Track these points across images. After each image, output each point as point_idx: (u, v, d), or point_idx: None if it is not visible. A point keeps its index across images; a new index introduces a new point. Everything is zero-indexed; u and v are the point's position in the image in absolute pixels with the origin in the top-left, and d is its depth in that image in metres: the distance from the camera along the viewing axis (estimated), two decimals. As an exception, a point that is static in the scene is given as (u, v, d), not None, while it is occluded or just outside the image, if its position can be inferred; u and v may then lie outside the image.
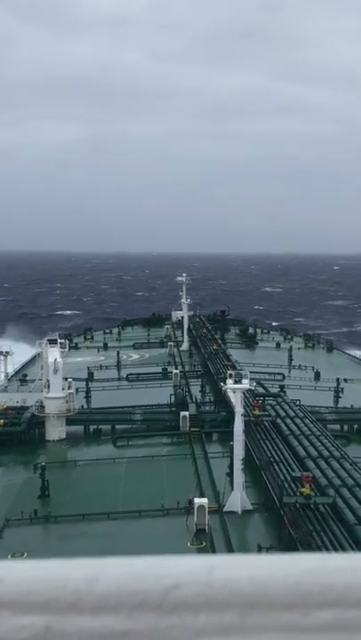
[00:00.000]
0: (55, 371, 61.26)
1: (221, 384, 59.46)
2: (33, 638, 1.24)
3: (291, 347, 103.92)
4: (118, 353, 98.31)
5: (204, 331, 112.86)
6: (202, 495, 42.64)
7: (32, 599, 1.26)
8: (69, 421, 61.58)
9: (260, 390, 70.06)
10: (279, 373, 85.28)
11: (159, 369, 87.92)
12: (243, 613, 1.25)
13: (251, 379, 49.20)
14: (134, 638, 1.24)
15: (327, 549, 34.67)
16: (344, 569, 1.28)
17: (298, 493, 40.54)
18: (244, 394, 46.85)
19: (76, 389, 67.24)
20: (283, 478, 43.89)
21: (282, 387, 75.10)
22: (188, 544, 37.80)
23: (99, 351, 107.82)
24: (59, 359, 61.41)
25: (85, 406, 68.14)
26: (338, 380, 75.92)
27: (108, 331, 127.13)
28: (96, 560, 1.33)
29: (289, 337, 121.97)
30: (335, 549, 34.73)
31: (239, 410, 44.47)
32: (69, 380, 64.18)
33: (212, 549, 36.52)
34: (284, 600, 1.25)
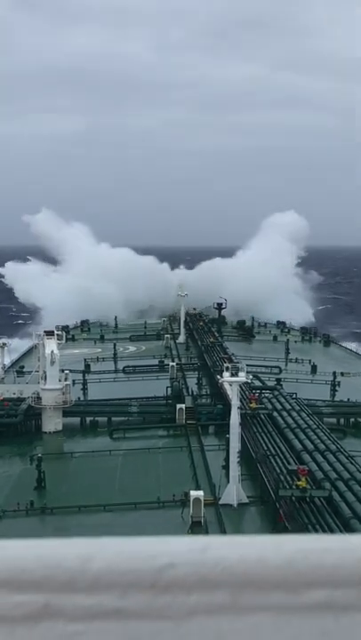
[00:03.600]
0: (52, 362, 61.28)
1: (218, 377, 59.57)
2: (29, 615, 1.26)
3: (288, 340, 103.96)
4: (115, 345, 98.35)
5: (201, 323, 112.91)
6: (198, 488, 42.75)
7: (27, 577, 1.28)
8: (66, 413, 61.64)
9: (257, 383, 70.14)
10: (276, 366, 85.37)
11: (156, 361, 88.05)
12: (235, 592, 1.27)
13: (247, 372, 49.31)
14: (128, 616, 1.26)
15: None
16: (333, 549, 1.30)
17: (294, 486, 40.61)
18: (240, 387, 46.95)
19: (73, 381, 67.28)
20: (279, 471, 43.97)
21: (278, 380, 75.22)
22: None
23: (95, 343, 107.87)
24: (55, 351, 61.41)
25: (82, 398, 68.21)
26: (334, 373, 76.04)
27: (104, 323, 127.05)
28: (91, 539, 1.34)
29: (286, 330, 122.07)
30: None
31: (235, 403, 44.54)
32: (66, 371, 64.22)
33: None
34: (275, 579, 1.27)
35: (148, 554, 1.29)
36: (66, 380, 62.89)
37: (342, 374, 78.67)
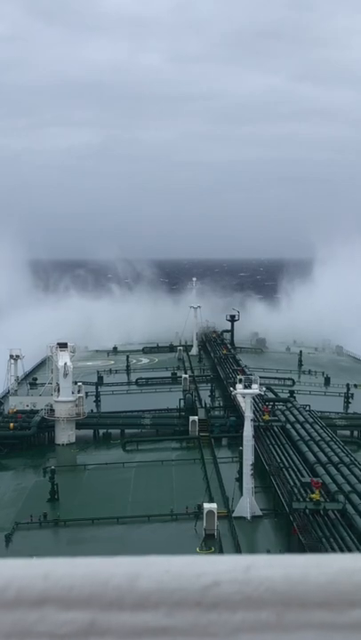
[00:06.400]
0: (65, 374, 61.40)
1: (231, 389, 59.42)
2: (77, 633, 1.29)
3: (301, 351, 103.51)
4: (128, 357, 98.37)
5: (214, 335, 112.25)
6: (211, 500, 42.63)
7: (75, 595, 1.31)
8: (79, 425, 61.71)
9: (270, 395, 69.94)
10: (289, 378, 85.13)
11: (168, 373, 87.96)
12: (278, 611, 1.30)
13: (260, 384, 49.15)
14: (175, 634, 1.29)
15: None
16: None
17: (307, 499, 40.42)
18: (253, 399, 46.82)
19: (86, 393, 67.36)
20: (292, 484, 43.77)
21: (292, 392, 74.97)
22: (197, 549, 37.74)
23: (108, 355, 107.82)
24: (69, 363, 61.54)
25: (95, 410, 68.25)
26: (348, 385, 75.71)
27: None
28: (137, 558, 1.38)
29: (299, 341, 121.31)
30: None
31: (249, 415, 44.43)
32: (79, 383, 64.32)
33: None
34: (318, 599, 1.30)
35: (193, 572, 1.32)
36: (79, 392, 62.99)
37: (356, 386, 78.32)
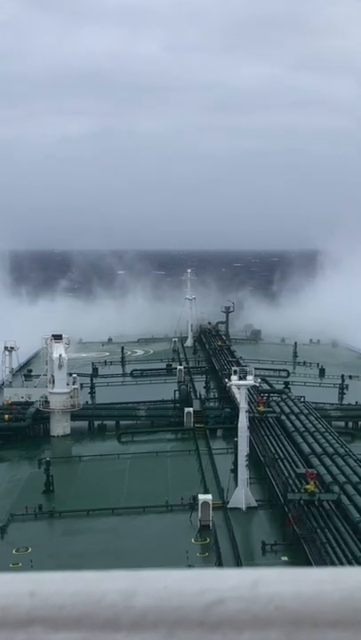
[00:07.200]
0: (60, 366, 61.27)
1: (226, 380, 59.40)
2: None
3: (295, 343, 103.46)
4: (123, 349, 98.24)
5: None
6: (206, 491, 42.64)
7: (66, 614, 1.19)
8: (74, 417, 61.64)
9: (265, 387, 69.95)
10: (284, 370, 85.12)
11: (163, 365, 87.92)
12: (289, 631, 1.18)
13: (255, 375, 49.11)
14: None
15: (332, 546, 34.62)
16: None
17: (302, 490, 40.47)
18: (248, 390, 46.78)
19: (81, 385, 67.25)
20: (287, 475, 43.82)
21: (286, 383, 75.00)
22: (192, 540, 37.77)
23: (103, 346, 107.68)
24: (63, 354, 61.40)
25: (90, 402, 68.20)
26: (343, 376, 75.77)
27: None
28: (134, 572, 1.26)
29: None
30: (340, 546, 34.68)
31: (244, 406, 44.40)
32: (74, 375, 64.21)
33: (216, 546, 36.45)
34: (333, 617, 1.19)
35: (195, 589, 1.21)
36: (74, 383, 62.86)
37: (350, 377, 78.40)
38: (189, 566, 33.36)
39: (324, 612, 1.18)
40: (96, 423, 63.26)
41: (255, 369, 53.97)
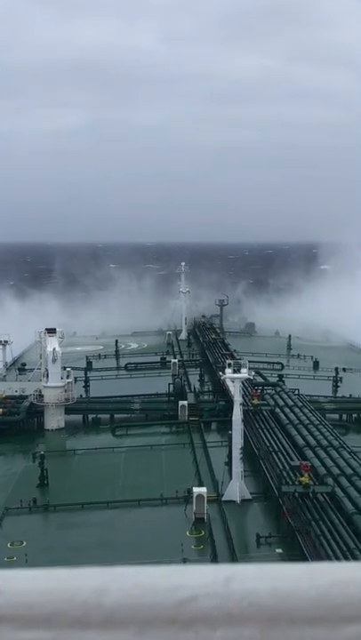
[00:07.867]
0: (54, 360, 61.20)
1: (220, 373, 59.38)
2: None
3: (290, 335, 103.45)
4: (117, 342, 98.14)
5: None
6: (201, 484, 42.69)
7: (35, 612, 1.16)
8: (68, 410, 61.60)
9: (259, 379, 70.00)
10: (278, 362, 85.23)
11: (158, 358, 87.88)
12: (264, 628, 1.15)
13: (249, 368, 49.15)
14: None
15: (326, 538, 34.72)
16: None
17: (297, 482, 40.60)
18: (242, 383, 46.82)
19: (75, 378, 67.22)
20: (281, 467, 43.93)
21: (281, 376, 75.10)
22: (187, 533, 37.84)
23: (97, 339, 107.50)
24: (57, 348, 61.34)
25: (84, 395, 68.15)
26: (337, 369, 75.88)
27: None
28: (105, 569, 1.23)
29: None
30: (334, 538, 34.78)
31: (238, 399, 44.45)
32: (68, 369, 64.16)
33: (210, 539, 36.54)
34: (309, 614, 1.15)
35: (167, 586, 1.17)
36: (68, 377, 62.82)
37: (344, 370, 78.52)
38: (184, 559, 33.47)
39: (301, 609, 1.15)
40: (90, 417, 63.23)
41: (249, 362, 53.92)
